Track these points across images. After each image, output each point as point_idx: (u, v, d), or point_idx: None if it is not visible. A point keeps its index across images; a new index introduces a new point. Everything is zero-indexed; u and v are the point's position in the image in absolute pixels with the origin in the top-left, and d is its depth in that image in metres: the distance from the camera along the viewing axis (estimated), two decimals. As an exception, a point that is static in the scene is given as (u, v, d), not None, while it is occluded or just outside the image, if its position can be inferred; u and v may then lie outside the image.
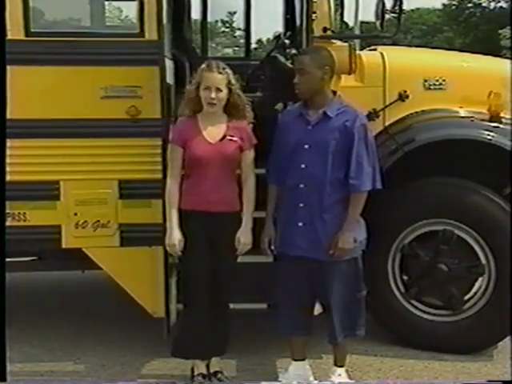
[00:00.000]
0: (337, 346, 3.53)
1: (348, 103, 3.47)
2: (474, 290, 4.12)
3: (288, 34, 5.01)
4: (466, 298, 4.12)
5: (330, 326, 3.44)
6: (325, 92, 3.38)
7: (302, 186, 3.35)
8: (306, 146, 3.33)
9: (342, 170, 3.31)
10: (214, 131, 3.45)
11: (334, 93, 3.44)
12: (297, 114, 3.44)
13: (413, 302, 4.17)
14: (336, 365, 3.58)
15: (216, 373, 3.61)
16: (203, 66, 3.43)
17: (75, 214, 3.85)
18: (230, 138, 3.44)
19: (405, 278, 4.19)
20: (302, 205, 3.36)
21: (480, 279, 4.10)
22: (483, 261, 4.05)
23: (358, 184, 3.31)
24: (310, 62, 3.33)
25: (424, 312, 4.17)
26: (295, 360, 3.61)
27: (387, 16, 3.93)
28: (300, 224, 3.36)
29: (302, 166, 3.34)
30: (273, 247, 3.47)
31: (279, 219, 3.47)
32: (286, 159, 3.39)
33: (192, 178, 3.43)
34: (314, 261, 3.35)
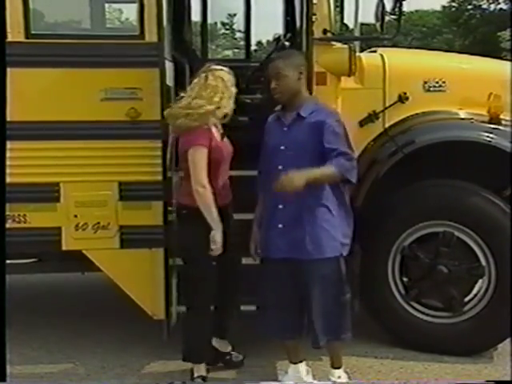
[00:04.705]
0: (328, 348, 3.51)
1: (323, 103, 3.47)
2: (474, 291, 4.11)
3: (288, 35, 5.01)
4: (466, 299, 4.11)
5: (311, 329, 3.41)
6: (301, 93, 3.41)
7: None
8: (282, 148, 3.36)
9: None
10: (216, 132, 3.55)
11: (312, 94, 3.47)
12: (276, 117, 3.49)
13: (413, 303, 4.16)
14: (333, 367, 3.57)
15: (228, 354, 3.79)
16: (230, 77, 3.55)
17: (75, 216, 3.85)
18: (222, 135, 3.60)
19: (405, 279, 4.19)
20: (281, 206, 3.37)
21: (480, 281, 4.09)
22: (483, 262, 4.05)
23: (335, 162, 3.22)
24: (284, 65, 3.36)
25: (424, 314, 4.16)
26: (292, 363, 3.61)
27: (387, 18, 3.93)
28: (280, 226, 3.37)
29: (279, 167, 3.34)
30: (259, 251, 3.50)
31: (262, 222, 3.50)
32: (266, 162, 3.44)
33: (220, 177, 3.54)
34: (296, 261, 3.35)
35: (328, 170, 3.24)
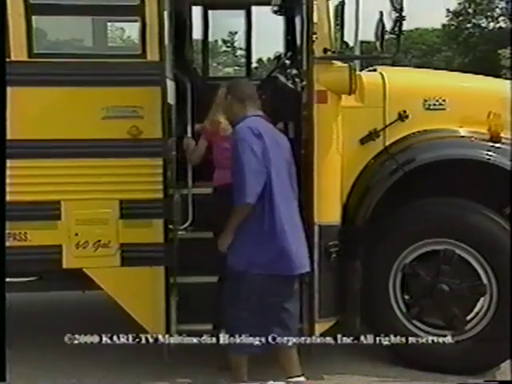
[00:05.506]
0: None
1: (244, 121, 3.47)
2: (475, 310, 4.09)
3: (289, 54, 5.05)
4: (468, 318, 4.09)
5: None
6: (236, 115, 3.55)
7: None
8: None
9: None
10: None
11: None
12: None
13: (414, 321, 4.14)
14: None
15: None
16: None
17: (76, 234, 3.85)
18: None
19: (406, 297, 4.17)
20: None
21: (482, 299, 4.07)
22: (485, 281, 4.04)
23: (235, 198, 3.36)
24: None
25: (425, 332, 4.14)
26: (289, 377, 3.52)
27: (387, 36, 3.96)
28: None
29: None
30: None
31: None
32: None
33: None
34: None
35: (232, 214, 3.37)
